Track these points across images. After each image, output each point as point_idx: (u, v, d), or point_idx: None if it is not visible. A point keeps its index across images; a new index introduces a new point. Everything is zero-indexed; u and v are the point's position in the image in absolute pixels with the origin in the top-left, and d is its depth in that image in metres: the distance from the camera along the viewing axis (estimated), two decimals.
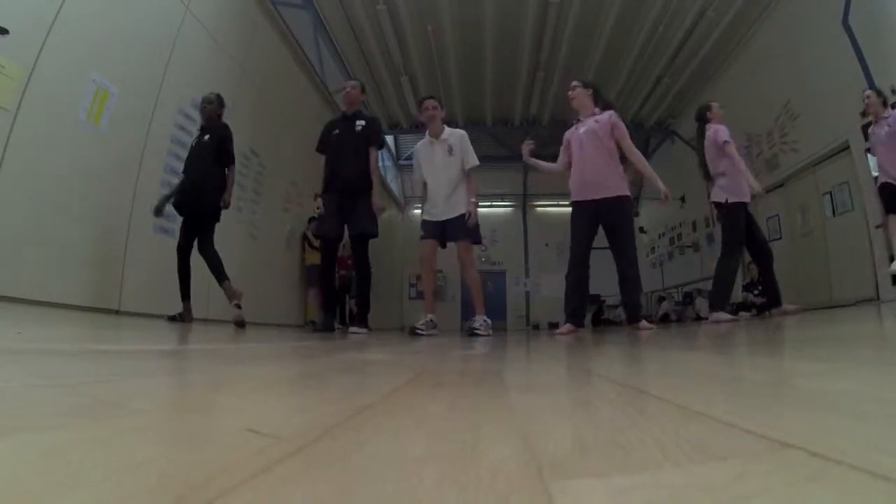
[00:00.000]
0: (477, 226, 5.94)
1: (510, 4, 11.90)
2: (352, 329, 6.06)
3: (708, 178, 6.52)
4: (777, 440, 0.48)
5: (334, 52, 13.14)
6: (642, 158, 5.80)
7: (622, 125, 5.69)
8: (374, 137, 6.03)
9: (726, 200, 6.13)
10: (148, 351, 1.95)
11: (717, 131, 6.26)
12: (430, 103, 6.06)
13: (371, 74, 14.63)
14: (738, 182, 6.15)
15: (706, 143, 6.41)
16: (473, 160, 5.99)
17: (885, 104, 6.62)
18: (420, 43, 13.17)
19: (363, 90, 6.38)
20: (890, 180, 6.41)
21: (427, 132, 6.12)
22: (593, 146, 5.61)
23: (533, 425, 0.62)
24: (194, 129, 6.66)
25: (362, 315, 6.05)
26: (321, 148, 6.12)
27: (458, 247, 5.87)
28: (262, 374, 1.37)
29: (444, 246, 5.96)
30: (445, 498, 0.35)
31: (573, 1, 11.72)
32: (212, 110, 5.90)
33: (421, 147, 6.17)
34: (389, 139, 19.29)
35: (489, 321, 5.79)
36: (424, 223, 6.02)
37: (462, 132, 6.16)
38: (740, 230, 6.12)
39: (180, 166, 6.33)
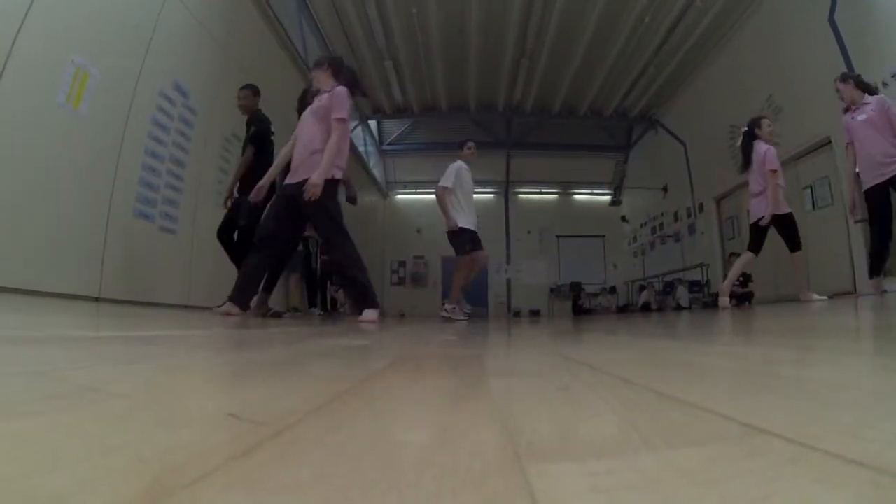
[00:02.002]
0: None
1: None
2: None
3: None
4: (754, 426, 0.48)
5: (318, 36, 13.04)
6: (334, 139, 4.71)
7: (338, 98, 4.79)
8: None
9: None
10: (127, 337, 1.93)
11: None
12: (472, 144, 7.75)
13: (355, 59, 14.53)
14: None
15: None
16: None
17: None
18: (404, 28, 13.12)
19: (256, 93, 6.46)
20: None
21: (463, 161, 7.54)
22: (308, 126, 4.89)
23: (511, 410, 0.63)
24: (175, 112, 6.59)
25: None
26: None
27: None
28: (242, 359, 1.37)
29: None
30: (423, 480, 0.35)
31: None
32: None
33: (464, 170, 7.46)
34: (372, 124, 19.24)
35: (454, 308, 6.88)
36: (475, 233, 7.34)
37: None
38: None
39: (160, 149, 6.27)
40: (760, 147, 6.74)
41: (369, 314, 4.68)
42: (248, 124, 6.18)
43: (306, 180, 4.60)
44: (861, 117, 5.99)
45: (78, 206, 5.15)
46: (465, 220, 7.20)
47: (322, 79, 5.08)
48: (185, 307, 6.28)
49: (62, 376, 0.81)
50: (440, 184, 7.28)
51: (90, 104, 5.24)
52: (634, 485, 0.34)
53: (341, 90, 4.83)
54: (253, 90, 6.35)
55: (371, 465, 0.39)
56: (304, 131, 4.89)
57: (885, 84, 8.34)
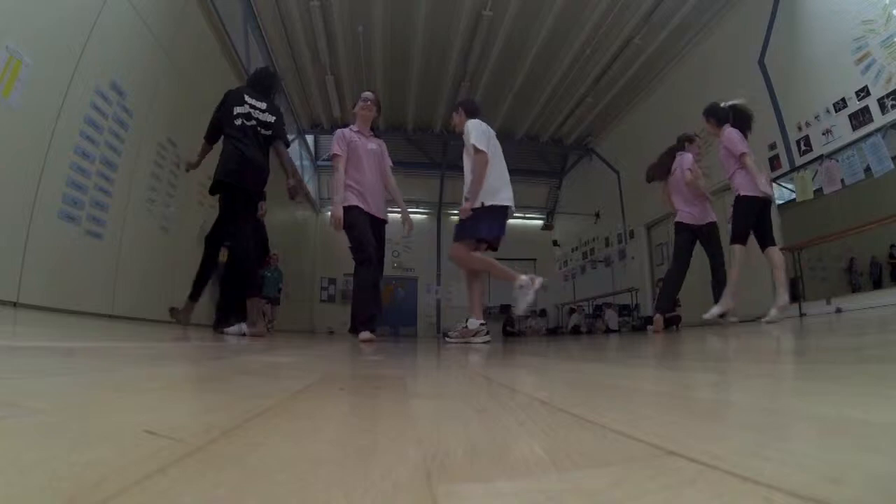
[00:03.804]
0: None
1: (443, 14, 11.95)
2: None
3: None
4: (661, 447, 0.50)
5: (262, 45, 12.86)
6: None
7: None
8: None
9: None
10: (46, 348, 1.86)
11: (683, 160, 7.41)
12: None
13: (297, 71, 14.41)
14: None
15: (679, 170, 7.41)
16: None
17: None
18: (349, 43, 13.06)
19: None
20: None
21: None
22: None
23: (427, 431, 0.64)
24: (109, 111, 6.38)
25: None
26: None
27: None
28: (165, 374, 1.34)
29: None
30: (334, 499, 0.36)
31: (505, 16, 11.87)
32: None
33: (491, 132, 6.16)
34: (309, 139, 19.03)
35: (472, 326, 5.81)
36: (496, 210, 5.76)
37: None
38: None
39: (92, 149, 6.03)
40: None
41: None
42: None
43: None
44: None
45: None
46: (492, 196, 5.73)
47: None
48: (110, 317, 6.07)
49: None
50: (478, 148, 5.72)
51: (21, 95, 4.97)
52: None
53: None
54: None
55: (288, 482, 0.39)
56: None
57: (808, 124, 8.84)
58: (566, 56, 13.30)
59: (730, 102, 6.92)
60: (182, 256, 8.38)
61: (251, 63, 11.72)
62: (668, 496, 0.37)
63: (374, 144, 6.01)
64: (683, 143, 7.65)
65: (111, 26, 6.19)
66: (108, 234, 6.38)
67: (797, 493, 0.35)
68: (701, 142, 7.84)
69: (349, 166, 5.77)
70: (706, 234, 7.16)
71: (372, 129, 6.24)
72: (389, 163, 6.22)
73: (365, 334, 5.32)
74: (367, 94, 6.23)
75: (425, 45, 13.04)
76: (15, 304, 4.97)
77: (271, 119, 5.69)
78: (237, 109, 5.60)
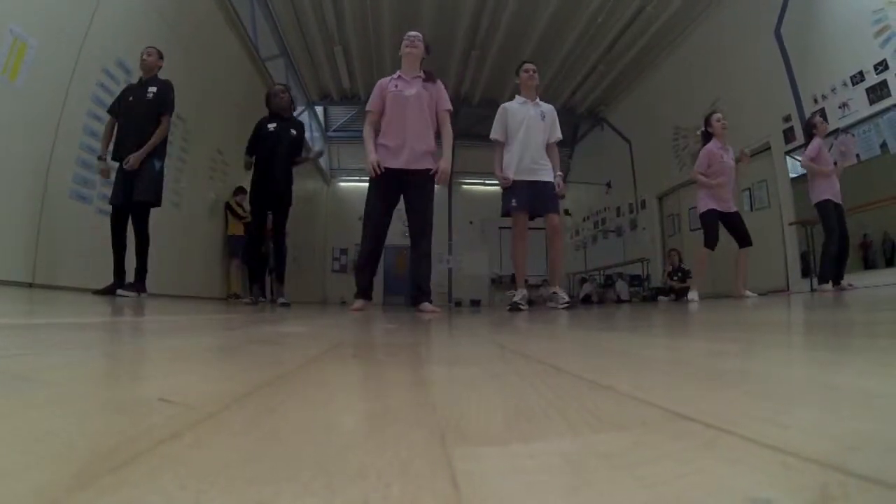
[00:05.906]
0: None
1: None
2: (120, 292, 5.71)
3: None
4: (676, 412, 0.50)
5: (269, 18, 12.80)
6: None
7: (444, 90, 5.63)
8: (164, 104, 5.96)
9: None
10: (62, 324, 1.87)
11: (807, 148, 7.50)
12: (529, 66, 6.23)
13: (305, 43, 14.34)
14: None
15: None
16: (559, 134, 6.18)
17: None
18: (357, 14, 12.97)
19: (161, 56, 6.15)
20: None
21: (521, 94, 6.28)
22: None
23: (441, 396, 0.64)
24: (117, 90, 6.37)
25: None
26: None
27: (550, 218, 5.85)
28: (178, 345, 1.35)
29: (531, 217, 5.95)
30: (349, 462, 0.36)
31: None
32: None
33: (512, 110, 6.19)
34: (319, 110, 18.98)
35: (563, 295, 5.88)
36: (516, 188, 5.86)
37: (552, 107, 6.32)
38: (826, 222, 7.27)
39: (101, 128, 6.04)
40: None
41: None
42: (150, 84, 5.92)
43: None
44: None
45: (11, 184, 4.91)
46: (513, 171, 5.91)
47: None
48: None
49: None
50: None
51: (28, 77, 4.99)
52: (555, 467, 0.35)
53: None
54: (160, 53, 6.11)
55: (300, 447, 0.39)
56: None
57: (824, 97, 8.77)
58: (577, 24, 13.15)
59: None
60: (194, 230, 8.43)
61: (258, 36, 11.65)
62: (686, 458, 0.37)
63: (414, 89, 5.31)
64: (810, 130, 7.69)
65: (114, 4, 6.17)
66: None
67: (815, 459, 0.35)
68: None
69: (383, 120, 5.32)
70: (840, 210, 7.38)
71: (427, 73, 5.52)
72: (444, 106, 5.45)
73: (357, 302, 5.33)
74: (412, 32, 5.62)
75: (434, 13, 12.91)
76: (31, 285, 5.02)
77: None
78: None
